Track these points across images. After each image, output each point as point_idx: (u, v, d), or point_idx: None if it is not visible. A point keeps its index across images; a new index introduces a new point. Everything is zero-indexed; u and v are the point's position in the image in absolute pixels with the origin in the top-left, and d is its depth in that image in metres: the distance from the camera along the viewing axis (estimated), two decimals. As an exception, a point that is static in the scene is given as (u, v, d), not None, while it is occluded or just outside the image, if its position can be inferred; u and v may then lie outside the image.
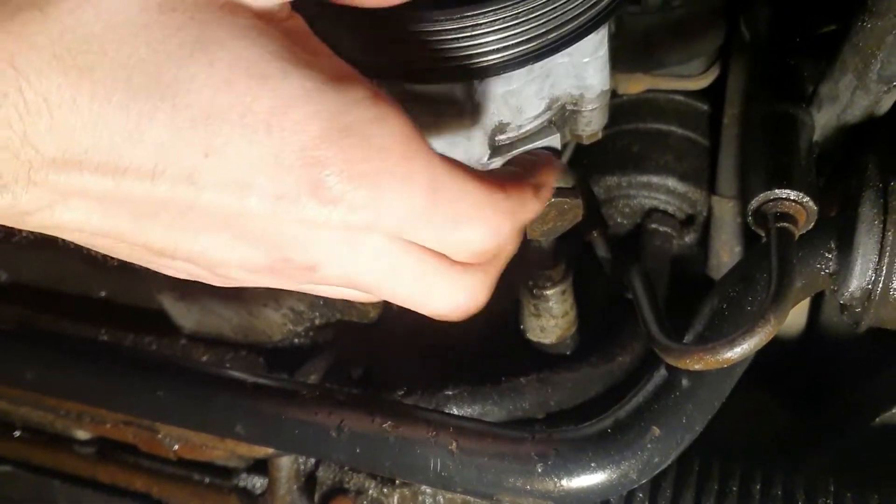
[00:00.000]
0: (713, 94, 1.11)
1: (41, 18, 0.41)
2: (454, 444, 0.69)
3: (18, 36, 0.41)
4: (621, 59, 1.09)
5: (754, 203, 0.71)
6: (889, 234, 0.70)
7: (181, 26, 0.43)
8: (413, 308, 0.53)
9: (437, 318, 0.54)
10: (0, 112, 0.41)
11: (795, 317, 1.09)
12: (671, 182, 1.09)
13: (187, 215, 0.46)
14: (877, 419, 0.90)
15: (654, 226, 1.08)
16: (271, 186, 0.44)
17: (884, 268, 0.70)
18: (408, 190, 0.46)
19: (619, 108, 1.15)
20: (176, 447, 0.93)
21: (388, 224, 0.47)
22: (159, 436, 0.92)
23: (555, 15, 0.67)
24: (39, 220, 0.46)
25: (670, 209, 1.10)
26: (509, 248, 0.54)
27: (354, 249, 0.48)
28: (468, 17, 0.64)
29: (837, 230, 0.75)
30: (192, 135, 0.43)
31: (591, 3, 0.69)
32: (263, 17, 0.45)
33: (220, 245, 0.47)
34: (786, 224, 0.70)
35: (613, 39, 0.88)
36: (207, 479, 0.99)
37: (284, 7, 0.47)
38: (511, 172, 0.62)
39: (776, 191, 0.71)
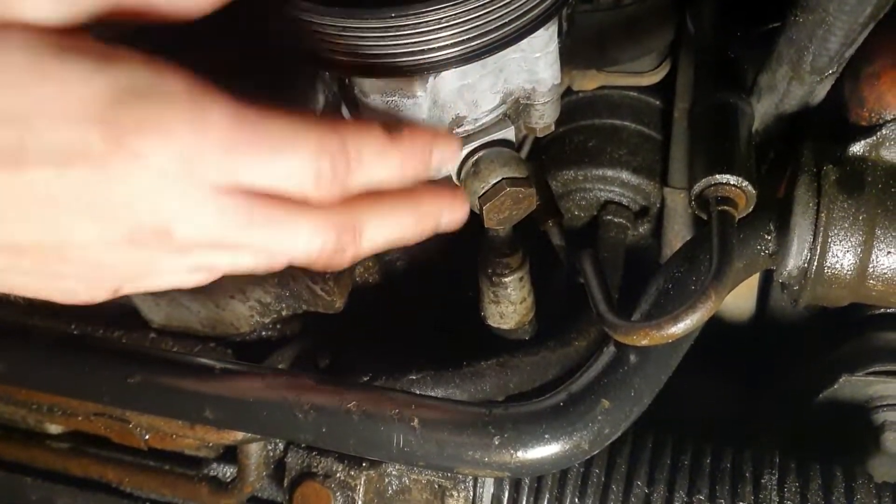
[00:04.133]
0: (665, 89, 1.16)
1: None
2: (416, 420, 0.72)
3: None
4: (576, 56, 1.13)
5: (696, 188, 0.75)
6: (822, 215, 0.74)
7: None
8: (284, 258, 0.54)
9: (312, 266, 0.55)
10: None
11: (746, 301, 1.13)
12: (625, 175, 1.13)
13: (25, 202, 0.49)
14: (820, 395, 0.95)
15: (609, 217, 1.12)
16: (84, 156, 0.48)
17: (818, 247, 0.74)
18: (203, 128, 0.49)
19: (575, 105, 1.19)
20: (147, 437, 0.95)
21: (201, 165, 0.49)
22: (130, 426, 0.94)
23: (506, 10, 0.71)
24: None
25: (625, 201, 1.14)
26: (356, 169, 0.53)
27: (193, 202, 0.50)
28: (423, 13, 0.67)
29: (776, 213, 0.79)
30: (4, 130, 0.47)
31: (543, -3, 0.73)
32: (37, 31, 0.50)
33: (74, 225, 0.50)
34: (726, 207, 0.74)
35: (567, 37, 0.91)
36: (178, 470, 1.01)
37: (68, 23, 0.51)
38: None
39: (717, 176, 0.75)
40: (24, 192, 0.49)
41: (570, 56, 1.12)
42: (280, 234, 0.52)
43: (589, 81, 1.16)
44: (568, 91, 1.18)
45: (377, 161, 0.54)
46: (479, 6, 0.68)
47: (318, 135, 0.51)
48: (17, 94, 0.47)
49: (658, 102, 1.17)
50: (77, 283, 0.54)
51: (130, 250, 0.51)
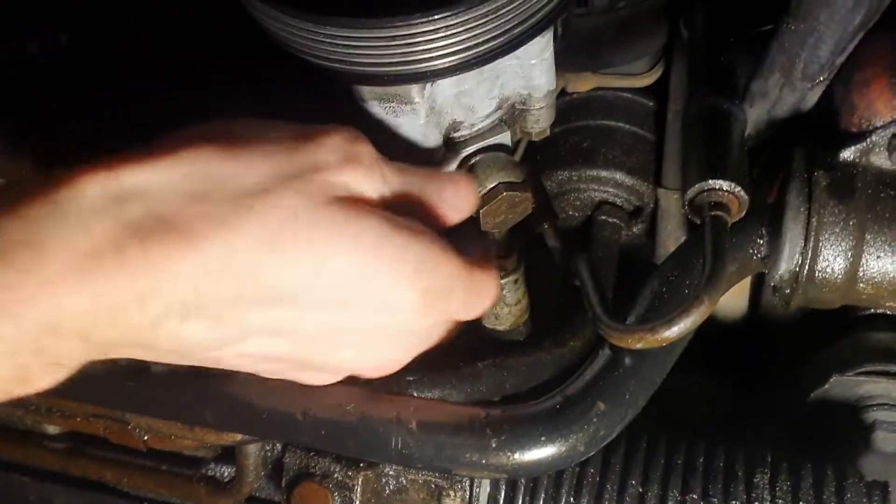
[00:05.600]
0: (659, 90, 1.16)
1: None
2: (414, 423, 0.73)
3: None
4: (570, 59, 1.13)
5: (690, 193, 0.76)
6: (813, 220, 0.76)
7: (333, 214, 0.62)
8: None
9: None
10: (225, 274, 0.58)
11: (738, 300, 1.14)
12: (619, 176, 1.14)
13: (340, 336, 0.66)
14: (811, 395, 0.96)
15: (603, 217, 1.13)
16: (403, 312, 0.66)
17: (809, 251, 0.76)
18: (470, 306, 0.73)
19: (570, 106, 1.20)
20: (146, 438, 0.95)
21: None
22: (129, 427, 0.95)
23: (503, 21, 0.72)
24: (227, 353, 0.63)
25: (619, 201, 1.15)
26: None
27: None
28: (420, 23, 0.68)
29: (768, 217, 0.80)
30: (348, 275, 0.62)
31: (537, 8, 0.73)
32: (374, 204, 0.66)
33: (356, 356, 0.68)
34: (719, 213, 0.75)
35: (562, 41, 0.92)
36: (176, 470, 1.01)
37: (382, 199, 0.67)
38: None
39: (710, 182, 0.76)
40: (343, 326, 0.65)
41: (565, 58, 1.12)
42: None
43: (583, 83, 1.17)
44: (562, 92, 1.19)
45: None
46: (474, 17, 0.69)
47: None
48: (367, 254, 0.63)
49: (652, 104, 1.18)
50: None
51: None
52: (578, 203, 1.16)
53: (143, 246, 0.55)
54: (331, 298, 0.62)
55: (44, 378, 0.58)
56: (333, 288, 0.62)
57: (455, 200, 0.75)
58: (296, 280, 0.60)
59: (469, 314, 0.74)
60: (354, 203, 0.63)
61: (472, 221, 0.79)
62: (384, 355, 0.70)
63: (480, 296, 0.74)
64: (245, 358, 0.65)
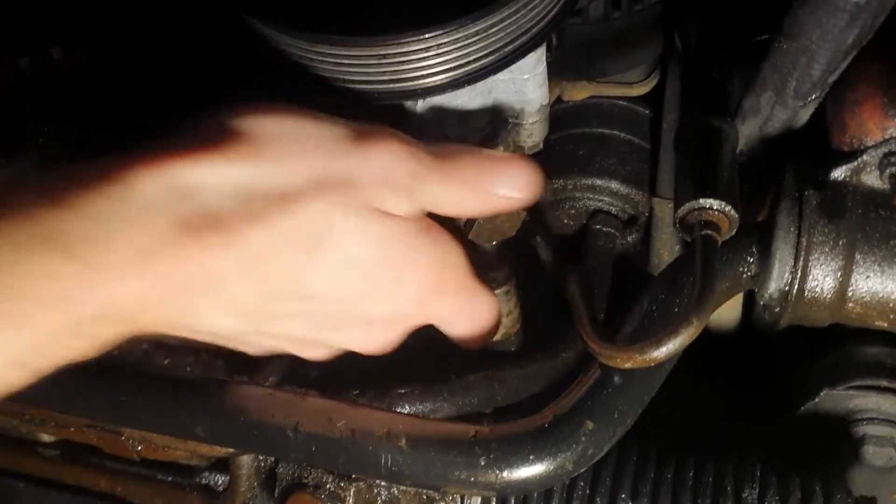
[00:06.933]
0: (654, 99, 1.16)
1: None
2: (403, 440, 0.74)
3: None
4: (566, 68, 1.13)
5: (680, 212, 0.77)
6: (804, 239, 0.76)
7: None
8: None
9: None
10: (264, 272, 0.64)
11: (730, 312, 1.15)
12: (614, 184, 1.14)
13: (352, 322, 0.71)
14: (801, 408, 0.97)
15: (598, 226, 1.13)
16: (406, 304, 0.73)
17: (799, 271, 0.76)
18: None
19: (565, 114, 1.20)
20: (139, 448, 0.96)
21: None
22: (122, 438, 0.95)
23: (494, 38, 0.72)
24: (252, 336, 0.70)
25: (613, 210, 1.15)
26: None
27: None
28: (411, 41, 0.69)
29: (758, 236, 0.80)
30: (371, 277, 0.68)
31: (529, 26, 0.74)
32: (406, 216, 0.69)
33: (362, 338, 0.75)
34: (709, 231, 0.75)
35: (557, 50, 0.92)
36: (170, 478, 1.01)
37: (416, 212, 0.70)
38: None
39: (700, 200, 0.76)
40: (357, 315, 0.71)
41: (560, 68, 1.13)
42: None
43: (579, 92, 1.17)
44: (558, 100, 1.19)
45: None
46: (466, 35, 0.70)
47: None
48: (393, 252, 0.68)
49: (647, 112, 1.18)
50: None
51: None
52: (573, 212, 1.16)
53: (198, 243, 0.59)
54: (352, 295, 0.68)
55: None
56: (356, 286, 0.68)
57: (509, 185, 0.72)
58: (323, 281, 0.66)
59: (457, 326, 0.78)
60: (385, 214, 0.68)
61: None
62: (385, 338, 0.75)
63: (474, 310, 0.78)
64: (263, 337, 0.71)
